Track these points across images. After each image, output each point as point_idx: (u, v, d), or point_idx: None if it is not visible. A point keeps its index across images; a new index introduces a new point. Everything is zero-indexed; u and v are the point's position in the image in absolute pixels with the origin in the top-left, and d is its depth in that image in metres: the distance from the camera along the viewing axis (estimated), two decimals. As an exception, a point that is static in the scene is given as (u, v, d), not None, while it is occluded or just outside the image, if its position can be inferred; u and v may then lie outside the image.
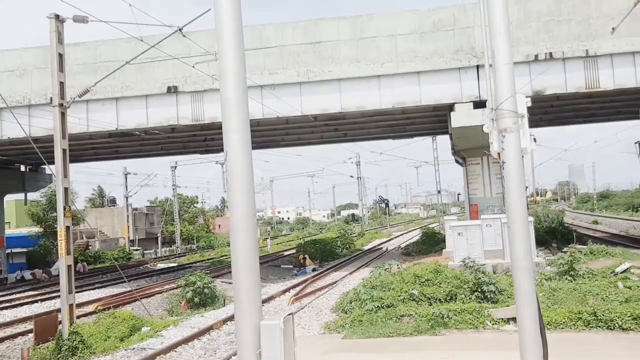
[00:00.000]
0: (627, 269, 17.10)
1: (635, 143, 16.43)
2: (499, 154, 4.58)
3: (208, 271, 25.39)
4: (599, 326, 11.55)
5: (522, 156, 4.77)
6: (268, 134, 30.68)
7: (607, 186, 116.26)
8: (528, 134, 4.65)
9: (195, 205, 73.76)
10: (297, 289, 21.25)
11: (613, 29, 16.06)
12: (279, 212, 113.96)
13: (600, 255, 20.87)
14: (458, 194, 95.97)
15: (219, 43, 3.87)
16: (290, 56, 22.70)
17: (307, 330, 13.89)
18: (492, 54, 4.46)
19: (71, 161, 15.00)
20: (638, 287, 14.69)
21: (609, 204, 79.23)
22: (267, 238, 50.27)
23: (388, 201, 78.28)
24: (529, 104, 4.75)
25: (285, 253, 39.78)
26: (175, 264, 37.29)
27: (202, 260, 39.39)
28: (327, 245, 36.33)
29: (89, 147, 30.82)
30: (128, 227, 52.39)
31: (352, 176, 68.57)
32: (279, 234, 74.96)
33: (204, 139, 29.83)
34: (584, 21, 21.18)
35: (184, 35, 15.42)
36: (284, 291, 20.98)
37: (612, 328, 11.39)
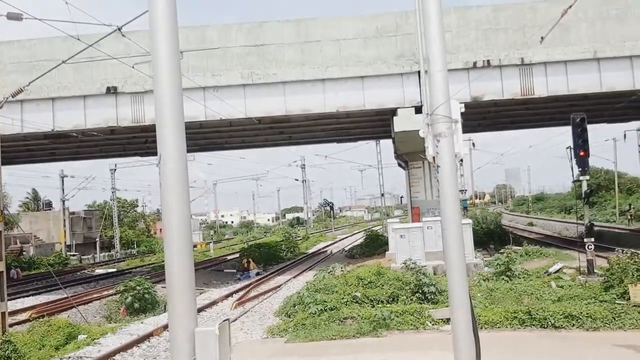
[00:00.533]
0: (560, 269, 17.85)
1: (567, 148, 17.18)
2: (434, 158, 4.68)
3: (148, 276, 24.81)
4: (533, 325, 11.95)
5: (461, 160, 4.92)
6: (211, 136, 30.33)
7: (542, 189, 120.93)
8: (461, 138, 4.79)
9: (135, 209, 71.95)
10: (241, 293, 21.04)
11: (542, 38, 16.78)
12: (222, 216, 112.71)
13: (535, 256, 21.67)
14: (401, 197, 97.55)
15: (153, 43, 3.80)
16: (233, 58, 22.54)
17: (250, 335, 13.77)
18: (427, 61, 4.57)
19: (4, 163, 14.37)
20: (570, 286, 15.34)
21: (543, 207, 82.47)
22: (210, 242, 49.60)
23: (333, 204, 78.77)
24: (463, 110, 4.89)
25: (229, 257, 39.34)
26: (115, 270, 36.21)
27: (142, 266, 38.44)
28: (272, 249, 36.19)
29: (23, 149, 29.60)
30: (65, 231, 50.56)
31: (297, 179, 68.66)
32: (223, 238, 74.11)
33: (144, 141, 29.17)
34: (520, 30, 22.00)
35: (123, 35, 15.05)
36: (227, 296, 20.74)
37: (545, 326, 11.81)
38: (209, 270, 31.10)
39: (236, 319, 15.77)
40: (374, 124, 28.76)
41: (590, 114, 21.21)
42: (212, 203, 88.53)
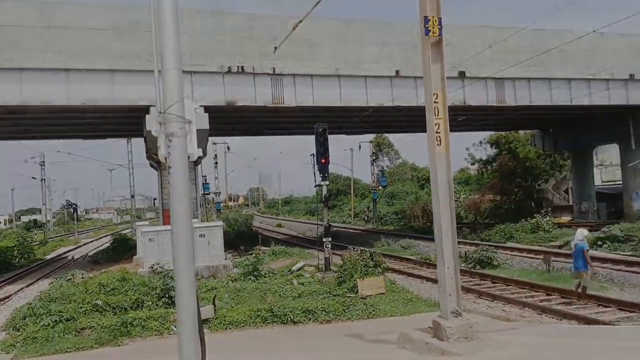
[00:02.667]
0: (302, 267, 19.21)
1: (311, 155, 18.63)
2: (166, 158, 4.59)
3: None
4: (275, 321, 12.59)
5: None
6: None
7: (291, 192, 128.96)
8: (195, 139, 4.78)
9: None
10: (-43, 307, 18.13)
11: (275, 48, 18.07)
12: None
13: (281, 255, 22.98)
14: (154, 199, 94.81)
15: None
16: (-41, 37, 19.45)
17: (-35, 355, 11.93)
18: (161, 58, 4.46)
19: None
20: (309, 283, 16.61)
21: (291, 209, 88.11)
22: None
23: (77, 206, 72.52)
24: (198, 111, 4.90)
25: (-55, 266, 33.66)
26: None
27: None
28: (1, 254, 32.12)
29: None
30: None
31: (34, 177, 61.62)
32: None
33: None
34: (272, 41, 23.00)
35: None
36: (-62, 312, 17.67)
37: (285, 322, 12.54)
38: None
39: None
40: (126, 121, 27.37)
41: (332, 125, 23.29)
42: None
